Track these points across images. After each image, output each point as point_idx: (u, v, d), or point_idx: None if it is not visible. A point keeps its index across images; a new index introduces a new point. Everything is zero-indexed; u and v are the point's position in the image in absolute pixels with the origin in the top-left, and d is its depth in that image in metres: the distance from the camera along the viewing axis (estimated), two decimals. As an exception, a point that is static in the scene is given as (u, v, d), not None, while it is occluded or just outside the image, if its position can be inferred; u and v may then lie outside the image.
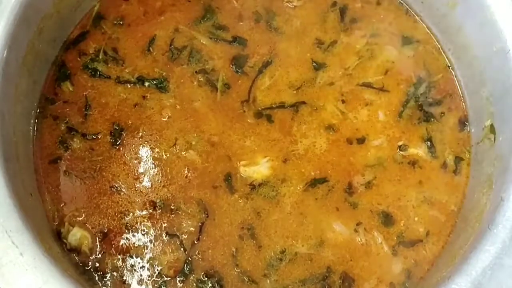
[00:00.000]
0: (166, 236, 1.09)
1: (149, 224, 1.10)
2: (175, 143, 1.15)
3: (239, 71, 1.21)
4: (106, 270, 1.07)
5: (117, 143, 1.15)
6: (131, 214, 1.10)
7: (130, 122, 1.16)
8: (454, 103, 1.22)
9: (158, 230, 1.09)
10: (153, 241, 1.09)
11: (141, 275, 1.07)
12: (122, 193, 1.11)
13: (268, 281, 1.07)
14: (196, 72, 1.21)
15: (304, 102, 1.19)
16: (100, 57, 1.21)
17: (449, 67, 1.25)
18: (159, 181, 1.12)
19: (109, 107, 1.17)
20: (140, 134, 1.16)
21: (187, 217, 1.10)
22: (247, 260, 1.08)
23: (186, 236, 1.09)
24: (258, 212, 1.11)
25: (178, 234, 1.09)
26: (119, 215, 1.10)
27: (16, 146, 1.05)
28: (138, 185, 1.12)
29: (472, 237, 1.02)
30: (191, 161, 1.14)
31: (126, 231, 1.09)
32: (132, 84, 1.19)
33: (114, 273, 1.07)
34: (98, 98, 1.18)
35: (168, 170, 1.13)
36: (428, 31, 1.27)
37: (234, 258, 1.08)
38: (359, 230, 1.11)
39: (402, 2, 1.29)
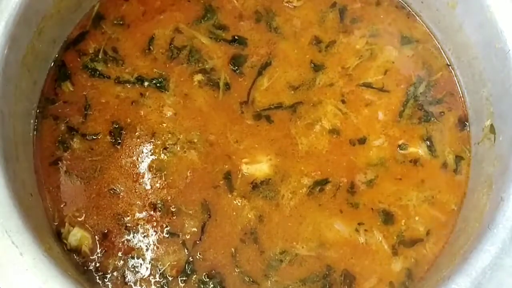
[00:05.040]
0: (168, 236, 1.09)
1: (150, 224, 1.10)
2: (176, 142, 1.15)
3: (239, 71, 1.21)
4: (107, 270, 1.07)
5: (117, 142, 1.15)
6: (131, 215, 1.10)
7: (129, 121, 1.16)
8: (454, 103, 1.22)
9: (159, 231, 1.09)
10: (154, 241, 1.09)
11: (142, 275, 1.07)
12: (122, 194, 1.11)
13: (269, 282, 1.07)
14: (196, 72, 1.20)
15: (303, 103, 1.19)
16: (100, 57, 1.21)
17: (449, 66, 1.25)
18: (159, 182, 1.12)
19: (109, 107, 1.17)
20: (139, 133, 1.15)
21: (189, 217, 1.10)
22: (248, 260, 1.08)
23: (189, 236, 1.09)
24: (259, 214, 1.10)
25: (179, 234, 1.09)
26: (119, 216, 1.10)
27: (16, 146, 1.05)
28: (138, 186, 1.12)
29: (472, 237, 1.02)
30: (191, 161, 1.14)
31: (127, 231, 1.09)
32: (131, 84, 1.19)
33: (115, 274, 1.07)
34: (97, 98, 1.18)
35: (168, 171, 1.13)
36: (428, 31, 1.28)
37: (235, 259, 1.08)
38: (360, 229, 1.11)
39: (402, 2, 1.29)
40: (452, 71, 1.24)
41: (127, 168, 1.13)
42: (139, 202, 1.11)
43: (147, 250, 1.08)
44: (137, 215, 1.10)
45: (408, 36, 1.27)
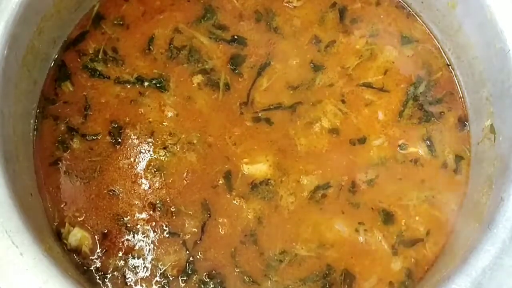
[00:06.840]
0: (168, 236, 1.09)
1: (150, 224, 1.10)
2: (176, 143, 1.15)
3: (238, 71, 1.21)
4: (107, 270, 1.07)
5: (117, 142, 1.15)
6: (131, 215, 1.10)
7: (128, 120, 1.16)
8: (454, 103, 1.22)
9: (159, 231, 1.09)
10: (155, 241, 1.09)
11: (143, 275, 1.07)
12: (121, 194, 1.11)
13: (269, 282, 1.07)
14: (195, 72, 1.20)
15: (302, 103, 1.18)
16: (100, 57, 1.21)
17: (448, 66, 1.25)
18: (158, 182, 1.12)
19: (108, 107, 1.17)
20: (139, 133, 1.15)
21: (189, 217, 1.10)
22: (248, 261, 1.08)
23: (189, 236, 1.09)
24: (258, 216, 1.10)
25: (180, 234, 1.09)
26: (119, 216, 1.10)
27: (16, 146, 1.05)
28: (137, 186, 1.12)
29: (472, 237, 1.02)
30: (190, 162, 1.14)
31: (127, 232, 1.09)
32: (131, 84, 1.19)
33: (115, 273, 1.07)
34: (97, 98, 1.18)
35: (167, 171, 1.13)
36: (428, 31, 1.27)
37: (235, 259, 1.08)
38: (360, 229, 1.11)
39: (402, 2, 1.29)
40: (452, 71, 1.24)
41: (127, 168, 1.13)
42: (138, 202, 1.11)
43: (147, 250, 1.08)
44: (137, 215, 1.10)
45: (408, 36, 1.27)
